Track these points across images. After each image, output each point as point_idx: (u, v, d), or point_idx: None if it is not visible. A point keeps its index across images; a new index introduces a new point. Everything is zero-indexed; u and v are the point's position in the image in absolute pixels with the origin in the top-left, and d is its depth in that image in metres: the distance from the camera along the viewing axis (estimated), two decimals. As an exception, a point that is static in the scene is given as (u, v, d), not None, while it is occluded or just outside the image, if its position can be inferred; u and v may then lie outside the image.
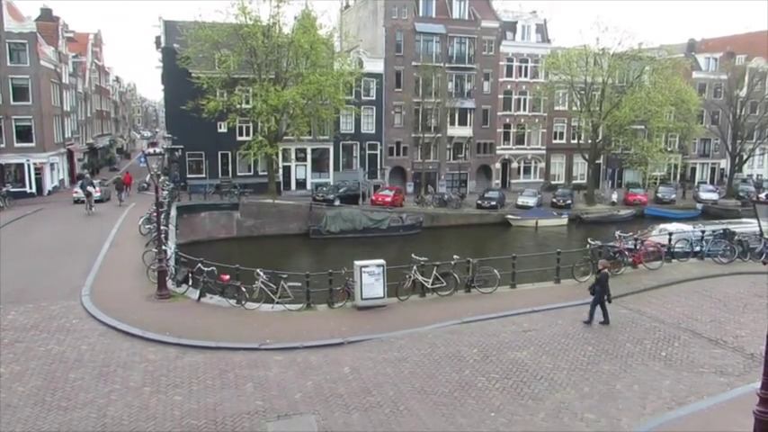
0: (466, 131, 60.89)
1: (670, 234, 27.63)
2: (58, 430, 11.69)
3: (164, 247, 21.64)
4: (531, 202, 54.22)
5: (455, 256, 21.87)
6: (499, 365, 14.84)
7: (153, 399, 12.98)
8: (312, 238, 45.76)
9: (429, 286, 20.70)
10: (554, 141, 65.40)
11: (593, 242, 24.67)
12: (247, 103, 48.14)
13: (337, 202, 49.30)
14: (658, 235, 30.90)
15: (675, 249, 26.83)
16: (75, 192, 44.63)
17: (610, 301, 18.07)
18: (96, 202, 41.42)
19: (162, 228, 23.17)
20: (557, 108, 63.39)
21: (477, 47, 60.18)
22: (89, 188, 41.59)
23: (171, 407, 12.63)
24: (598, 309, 17.88)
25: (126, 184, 47.02)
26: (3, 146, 47.70)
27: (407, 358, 15.30)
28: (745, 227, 31.15)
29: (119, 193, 44.65)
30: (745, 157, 66.11)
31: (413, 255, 21.45)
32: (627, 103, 53.49)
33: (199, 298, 20.00)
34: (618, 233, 28.13)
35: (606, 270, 18.28)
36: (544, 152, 65.33)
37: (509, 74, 62.45)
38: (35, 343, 16.08)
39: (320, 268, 24.14)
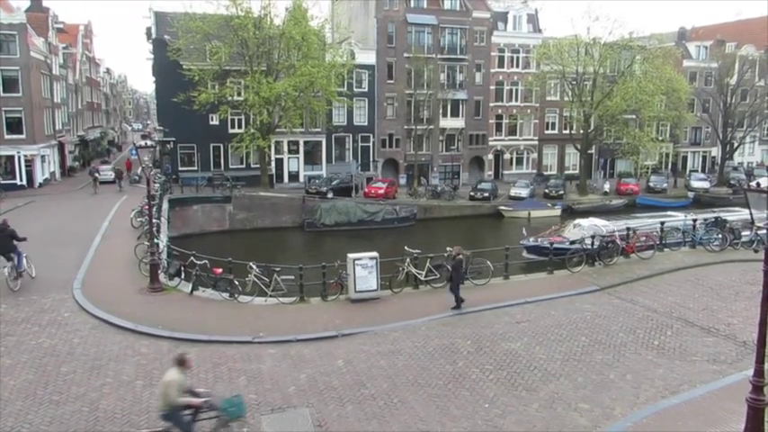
0: (458, 123, 60.80)
1: (662, 223, 27.72)
2: (49, 424, 11.63)
3: (156, 240, 21.54)
4: (524, 193, 54.24)
5: (448, 248, 21.84)
6: (493, 357, 14.87)
7: (146, 392, 12.94)
8: (307, 230, 45.71)
9: (422, 278, 20.74)
10: (546, 132, 65.35)
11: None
12: (239, 95, 47.94)
13: (330, 195, 49.15)
14: (572, 230, 31.07)
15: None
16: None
17: (456, 286, 18.28)
18: (104, 183, 49.35)
19: (154, 221, 23.05)
20: (548, 98, 63.33)
21: (468, 37, 60.00)
22: (96, 174, 49.41)
23: (164, 400, 12.56)
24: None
25: (127, 170, 53.54)
26: (-7, 138, 47.32)
27: (401, 351, 15.29)
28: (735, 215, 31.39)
29: (118, 181, 49.31)
30: (735, 144, 66.34)
31: (406, 247, 21.44)
32: (618, 92, 53.45)
33: (191, 291, 19.91)
34: (524, 230, 28.46)
35: (461, 256, 18.34)
36: (536, 143, 65.30)
37: (501, 64, 62.33)
38: (26, 336, 15.99)
39: (315, 261, 24.08)
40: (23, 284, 20.33)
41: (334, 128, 55.25)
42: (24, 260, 20.71)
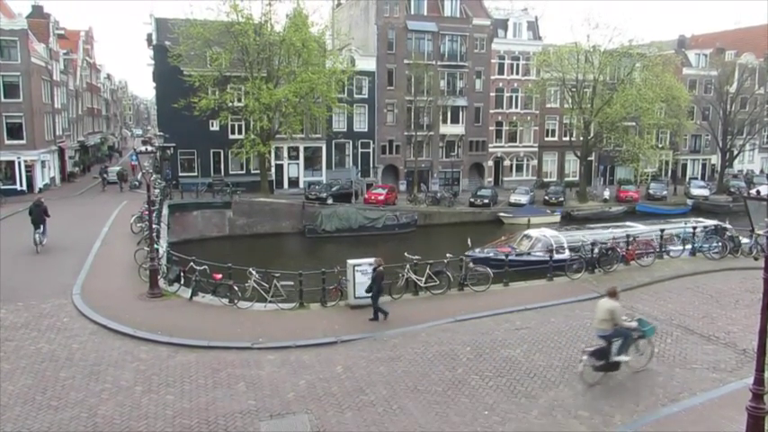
0: (458, 129, 60.90)
1: (662, 231, 27.70)
2: (48, 430, 11.60)
3: (155, 246, 21.52)
4: (524, 199, 54.26)
5: (448, 255, 21.87)
6: (492, 363, 14.84)
7: (144, 398, 12.91)
8: (308, 236, 45.66)
9: (422, 285, 20.69)
10: (546, 139, 65.50)
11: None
12: (239, 101, 47.99)
13: (330, 201, 49.19)
14: (521, 241, 31.02)
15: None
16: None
17: (375, 299, 18.09)
18: (111, 183, 54.06)
19: (154, 226, 23.04)
20: (548, 105, 63.53)
21: (468, 44, 60.16)
22: (104, 175, 55.14)
23: (163, 406, 12.56)
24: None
25: (132, 172, 58.44)
26: (-7, 143, 47.39)
27: (401, 357, 15.27)
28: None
29: (120, 183, 53.28)
30: (735, 152, 66.42)
31: (406, 253, 21.43)
32: (618, 99, 53.52)
33: (191, 297, 19.88)
34: (469, 241, 28.54)
35: (381, 268, 18.25)
36: (536, 150, 65.40)
37: (501, 71, 62.48)
38: (25, 341, 15.97)
39: (315, 267, 24.04)
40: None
41: (334, 134, 55.39)
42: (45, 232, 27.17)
